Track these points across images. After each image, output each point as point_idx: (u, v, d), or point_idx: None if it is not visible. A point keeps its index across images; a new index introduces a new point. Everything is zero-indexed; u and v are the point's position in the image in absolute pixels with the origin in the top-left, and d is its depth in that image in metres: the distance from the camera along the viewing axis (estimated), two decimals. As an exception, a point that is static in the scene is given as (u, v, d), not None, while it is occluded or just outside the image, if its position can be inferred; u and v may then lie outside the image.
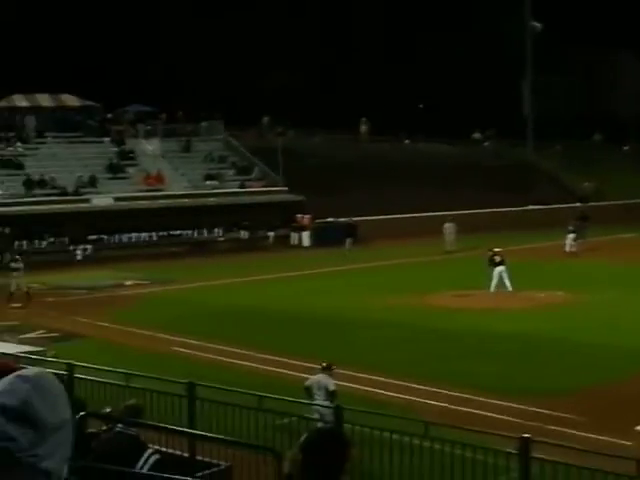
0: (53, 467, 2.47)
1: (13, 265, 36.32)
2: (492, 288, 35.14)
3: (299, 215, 55.78)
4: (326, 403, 16.26)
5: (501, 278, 35.20)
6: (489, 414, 18.75)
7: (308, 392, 17.07)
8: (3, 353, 17.86)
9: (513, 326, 28.53)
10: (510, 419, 18.17)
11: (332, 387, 16.98)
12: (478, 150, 72.53)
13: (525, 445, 11.06)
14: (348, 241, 51.15)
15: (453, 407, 19.38)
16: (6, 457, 2.39)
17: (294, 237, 55.63)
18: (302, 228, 55.78)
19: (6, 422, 2.42)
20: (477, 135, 75.91)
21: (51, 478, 2.47)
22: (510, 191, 62.51)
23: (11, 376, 2.53)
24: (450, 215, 50.59)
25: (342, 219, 54.51)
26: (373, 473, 12.59)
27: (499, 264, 35.38)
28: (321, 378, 17.20)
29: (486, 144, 74.96)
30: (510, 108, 74.27)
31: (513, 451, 11.24)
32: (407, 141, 71.94)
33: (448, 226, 49.85)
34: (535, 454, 11.15)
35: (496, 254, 35.79)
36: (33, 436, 2.43)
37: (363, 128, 69.93)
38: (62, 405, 2.54)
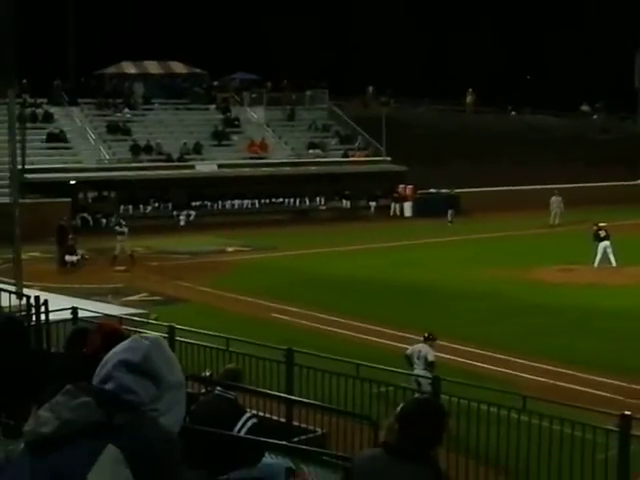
0: (169, 423, 2.62)
1: (118, 229, 37.00)
2: (596, 263, 34.54)
3: (401, 185, 55.52)
4: (425, 373, 16.30)
5: (605, 253, 34.56)
6: (589, 390, 18.49)
7: (408, 360, 17.18)
8: (107, 315, 18.22)
9: (617, 302, 27.99)
10: (611, 396, 17.88)
11: (431, 357, 17.05)
12: (586, 123, 71.08)
13: (626, 422, 10.86)
14: (450, 212, 50.76)
15: (553, 382, 19.16)
16: (114, 403, 2.53)
17: (395, 207, 55.39)
18: (404, 198, 55.52)
19: (129, 376, 2.60)
20: (585, 107, 74.40)
21: None
22: (618, 165, 61.14)
23: (132, 337, 2.75)
24: (556, 189, 49.76)
25: (444, 190, 54.08)
26: (469, 445, 12.51)
27: (604, 239, 34.73)
28: (422, 347, 17.29)
29: (595, 117, 73.44)
30: (621, 80, 72.59)
31: (613, 428, 11.05)
32: (513, 112, 70.94)
33: (554, 200, 49.05)
34: (635, 432, 10.95)
35: (601, 229, 35.12)
36: (153, 390, 2.60)
37: (469, 98, 69.14)
38: (177, 367, 2.72)
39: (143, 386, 2.59)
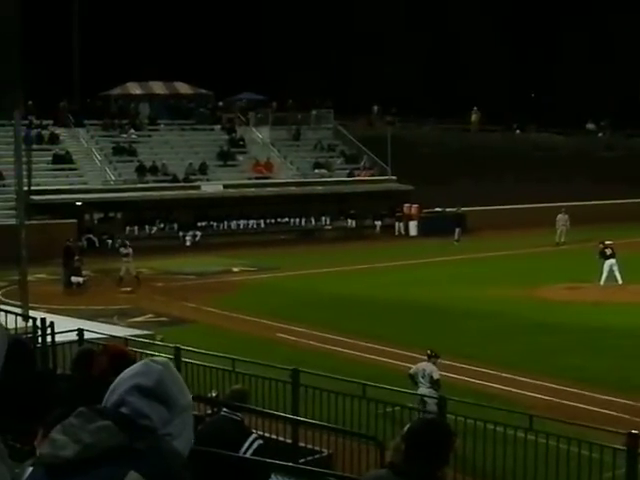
0: (181, 447, 2.62)
1: (123, 250, 37.04)
2: (602, 281, 34.51)
3: (406, 204, 55.53)
4: (430, 392, 16.30)
5: (612, 271, 34.55)
6: (596, 409, 18.44)
7: (412, 379, 17.18)
8: (113, 336, 18.22)
9: (624, 320, 27.94)
10: (618, 414, 17.83)
11: (437, 375, 17.04)
12: (591, 140, 71.11)
13: (634, 441, 10.83)
14: (457, 231, 50.74)
15: (559, 401, 19.13)
16: (133, 427, 2.52)
17: (399, 226, 55.37)
18: (409, 217, 55.52)
19: (142, 401, 2.59)
20: (591, 125, 74.45)
21: None
22: (624, 183, 61.12)
23: (142, 361, 2.73)
24: (563, 207, 49.75)
25: (450, 209, 54.06)
26: (476, 464, 12.48)
27: (610, 257, 34.72)
28: (426, 366, 17.28)
29: (600, 135, 73.47)
30: (626, 98, 72.65)
31: (620, 447, 11.02)
32: (518, 131, 71.01)
33: (560, 217, 49.01)
34: (643, 451, 10.92)
35: (607, 247, 35.11)
36: (165, 414, 2.60)
37: (474, 117, 69.24)
38: (186, 389, 2.71)
39: (157, 411, 2.59)
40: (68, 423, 2.55)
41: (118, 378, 2.70)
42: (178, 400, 2.64)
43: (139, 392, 2.61)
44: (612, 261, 34.59)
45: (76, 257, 36.72)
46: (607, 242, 35.50)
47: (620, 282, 34.27)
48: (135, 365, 2.73)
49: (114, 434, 2.48)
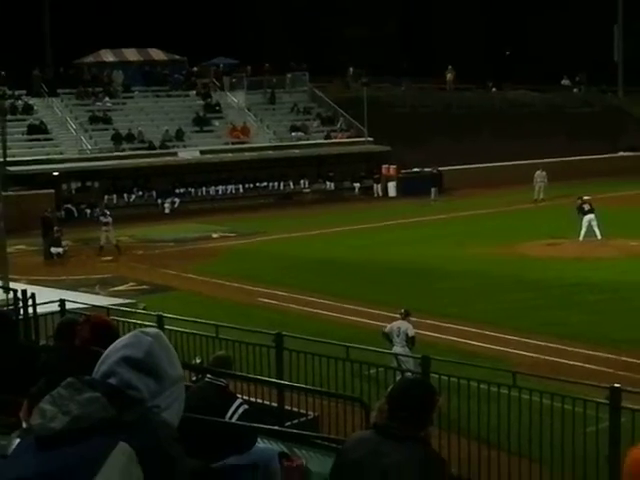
0: (170, 419, 2.63)
1: (102, 219, 36.90)
2: (581, 237, 34.64)
3: (384, 166, 55.50)
4: (404, 350, 16.53)
5: (590, 226, 34.67)
6: (579, 364, 18.59)
7: (387, 338, 17.38)
8: (95, 306, 18.20)
9: (603, 275, 28.13)
10: (600, 369, 17.98)
11: (411, 332, 17.32)
12: (567, 96, 71.09)
13: (616, 395, 10.91)
14: (433, 191, 50.79)
15: (542, 357, 19.26)
16: (123, 399, 2.53)
17: (377, 188, 55.36)
18: (387, 178, 55.50)
19: (131, 372, 2.60)
20: (566, 81, 74.35)
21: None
22: (600, 138, 61.31)
23: (134, 331, 2.73)
24: (540, 163, 49.81)
25: (427, 169, 54.08)
26: (460, 422, 12.56)
27: (588, 212, 34.84)
28: (400, 324, 17.52)
29: (575, 90, 73.44)
30: (600, 53, 72.57)
31: (603, 401, 11.10)
32: (494, 89, 70.88)
33: (538, 174, 49.05)
34: (626, 404, 11.00)
35: (585, 202, 35.22)
36: (154, 386, 2.60)
37: (449, 76, 69.01)
38: (177, 361, 2.72)
39: (145, 383, 2.59)
40: (57, 394, 2.55)
41: (108, 349, 2.69)
42: (167, 372, 2.63)
43: (128, 363, 2.61)
44: (590, 216, 34.70)
45: (55, 227, 36.54)
46: (585, 197, 35.61)
47: (599, 237, 34.41)
48: (126, 336, 2.73)
49: (103, 406, 2.48)
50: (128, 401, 2.52)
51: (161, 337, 2.71)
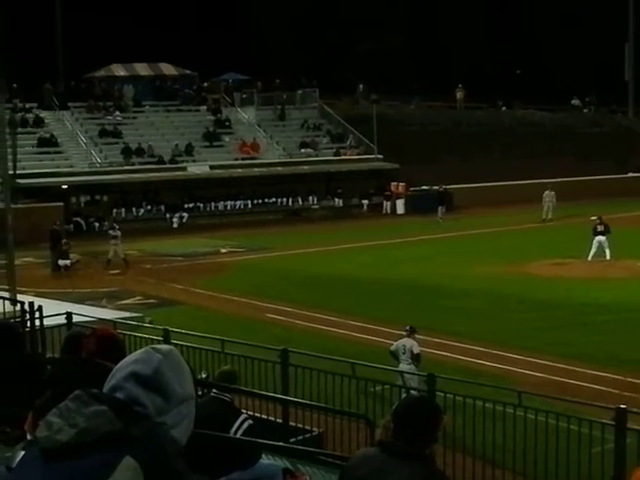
0: (178, 436, 2.62)
1: (111, 233, 36.95)
2: (590, 257, 34.58)
3: (393, 183, 55.56)
4: (410, 367, 16.54)
5: (601, 247, 34.61)
6: (585, 384, 18.52)
7: (393, 356, 17.41)
8: (101, 319, 18.21)
9: (611, 296, 28.06)
10: (606, 389, 17.92)
11: (417, 350, 17.35)
12: (577, 116, 71.14)
13: (622, 416, 10.88)
14: (440, 209, 50.80)
15: (548, 377, 19.20)
16: (129, 413, 2.53)
17: (386, 205, 55.41)
18: (396, 196, 55.55)
19: (138, 388, 2.59)
20: (576, 101, 74.43)
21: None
22: (609, 158, 61.30)
23: (145, 348, 2.73)
24: (549, 183, 49.77)
25: (436, 187, 54.12)
26: (465, 441, 12.53)
27: (599, 234, 34.78)
28: (406, 342, 17.55)
29: (585, 110, 73.48)
30: (611, 73, 72.61)
31: (609, 422, 11.07)
32: (504, 107, 70.96)
33: (547, 194, 48.99)
34: (631, 425, 10.97)
35: (600, 223, 35.16)
36: (161, 404, 2.59)
37: (459, 94, 69.14)
38: (188, 380, 2.70)
39: (151, 400, 2.58)
40: (64, 406, 2.55)
41: (120, 363, 2.70)
42: (176, 391, 2.63)
43: (136, 379, 2.61)
44: (601, 238, 34.64)
45: (64, 240, 36.61)
46: (601, 218, 35.45)
47: (608, 258, 34.35)
48: (138, 351, 2.73)
49: (110, 419, 2.48)
50: (135, 415, 2.52)
51: (173, 355, 2.70)
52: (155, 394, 2.59)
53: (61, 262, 35.61)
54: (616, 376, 19.11)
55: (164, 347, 2.75)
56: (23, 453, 2.63)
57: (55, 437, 2.46)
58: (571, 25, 75.42)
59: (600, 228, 34.94)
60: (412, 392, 13.85)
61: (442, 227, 46.57)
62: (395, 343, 17.86)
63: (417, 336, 18.02)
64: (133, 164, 52.41)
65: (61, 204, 46.92)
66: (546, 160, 57.66)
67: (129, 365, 2.66)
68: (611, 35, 72.05)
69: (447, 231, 44.52)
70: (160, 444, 2.49)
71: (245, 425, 8.59)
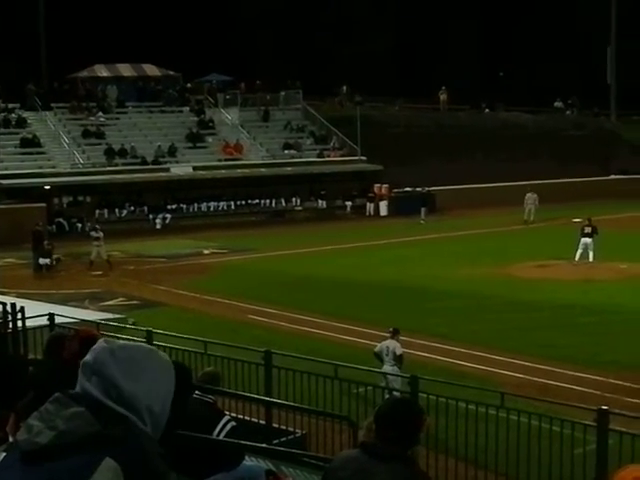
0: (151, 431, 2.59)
1: (93, 234, 36.87)
2: (576, 257, 34.65)
3: (377, 185, 55.60)
4: (393, 369, 16.62)
5: (585, 249, 34.71)
6: (567, 386, 18.59)
7: (378, 358, 17.50)
8: (84, 320, 18.15)
9: (593, 297, 28.18)
10: (588, 391, 18.00)
11: (399, 351, 17.47)
12: (559, 119, 71.37)
13: (604, 417, 10.92)
14: (423, 210, 50.91)
15: (531, 378, 19.26)
16: (107, 414, 2.51)
17: (370, 207, 55.45)
18: (380, 198, 55.60)
19: (84, 377, 2.59)
20: (558, 104, 74.67)
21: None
22: (591, 161, 61.54)
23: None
24: (531, 185, 49.93)
25: (419, 189, 54.23)
26: (448, 443, 12.56)
27: (586, 235, 34.89)
28: (389, 343, 17.67)
29: (568, 113, 73.73)
30: (594, 76, 72.90)
31: (591, 423, 11.11)
32: (487, 110, 71.16)
33: (529, 196, 49.14)
34: (613, 426, 11.01)
35: (587, 225, 35.27)
36: (114, 393, 2.55)
37: (442, 97, 69.30)
38: (147, 379, 2.61)
39: (96, 385, 2.56)
40: (44, 409, 2.55)
41: None
42: (120, 383, 2.57)
43: (83, 369, 2.61)
44: (587, 240, 34.75)
45: (46, 241, 36.47)
46: (588, 220, 35.53)
47: (591, 260, 34.48)
48: None
49: (88, 421, 2.47)
50: (113, 416, 2.51)
51: (125, 349, 2.64)
52: (100, 380, 2.56)
53: (42, 261, 35.46)
54: (598, 377, 19.20)
55: (120, 342, 2.72)
56: (4, 455, 2.62)
57: (34, 440, 2.46)
58: (554, 28, 75.70)
59: (587, 230, 35.05)
60: (395, 393, 13.87)
61: (425, 228, 46.64)
62: (379, 345, 17.95)
63: (400, 337, 18.08)
64: (116, 165, 52.29)
65: (43, 205, 46.74)
66: (529, 162, 57.86)
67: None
68: (594, 38, 72.35)
69: (430, 233, 44.59)
70: (139, 444, 2.49)
71: (228, 427, 8.57)
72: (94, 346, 2.66)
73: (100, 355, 2.61)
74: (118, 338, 14.73)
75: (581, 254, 34.76)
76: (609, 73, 73.74)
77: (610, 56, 73.07)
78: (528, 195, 49.24)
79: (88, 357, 2.62)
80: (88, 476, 2.39)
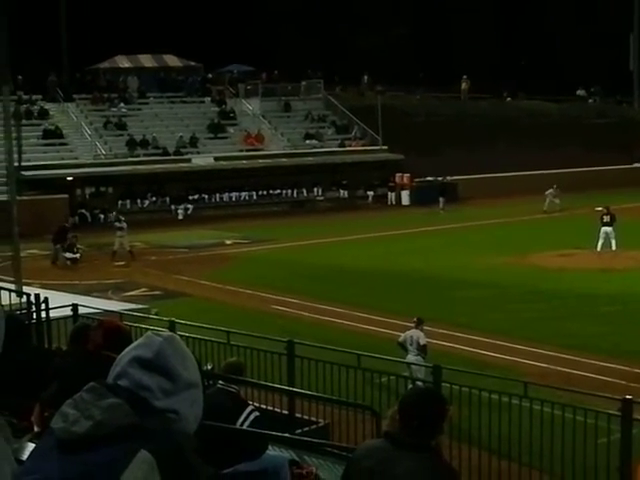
0: (189, 427, 2.62)
1: (117, 225, 36.95)
2: (598, 247, 34.49)
3: (398, 174, 55.51)
4: (417, 359, 16.61)
5: (607, 238, 34.55)
6: (591, 375, 18.52)
7: (402, 347, 17.48)
8: (107, 311, 18.23)
9: (616, 286, 28.05)
10: (612, 380, 17.92)
11: (423, 341, 17.46)
12: (582, 107, 70.98)
13: (628, 407, 10.88)
14: (441, 200, 50.75)
15: (554, 367, 19.20)
16: (144, 406, 2.53)
17: (391, 196, 55.37)
18: (401, 187, 55.52)
19: (141, 373, 2.58)
20: (581, 92, 74.26)
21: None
22: (615, 149, 61.17)
23: (147, 333, 2.72)
24: (555, 174, 49.43)
25: (440, 178, 54.12)
26: (471, 432, 12.54)
27: (605, 224, 34.70)
28: (413, 333, 17.65)
29: (590, 101, 73.33)
30: (616, 63, 72.45)
31: (615, 413, 11.07)
32: (508, 98, 70.84)
33: (550, 192, 48.61)
34: (637, 416, 10.97)
35: (606, 213, 35.05)
36: (166, 386, 2.57)
37: (463, 85, 69.03)
38: (193, 366, 2.68)
39: (156, 382, 2.57)
40: (79, 398, 2.56)
41: (123, 351, 2.71)
42: (180, 374, 2.61)
43: (139, 364, 2.60)
44: (607, 229, 34.57)
45: (71, 234, 36.43)
46: (606, 208, 35.30)
47: (613, 249, 34.32)
48: (139, 339, 2.73)
49: (125, 412, 2.49)
50: (150, 409, 2.52)
51: (174, 339, 2.69)
52: (159, 376, 2.58)
53: (68, 255, 35.51)
54: (622, 367, 19.11)
55: (166, 333, 2.75)
56: (31, 445, 2.63)
57: (71, 429, 2.47)
58: (576, 15, 75.27)
59: (606, 219, 34.86)
60: (418, 384, 13.86)
61: (446, 218, 46.50)
62: (403, 334, 17.93)
63: (424, 327, 18.05)
64: (138, 156, 52.43)
65: (66, 196, 46.97)
66: (552, 151, 57.56)
67: (131, 351, 2.66)
68: (616, 25, 71.90)
69: (452, 222, 44.47)
70: (175, 438, 2.50)
71: (252, 417, 8.59)
72: (144, 340, 2.67)
73: (162, 349, 2.62)
74: (141, 328, 14.80)
75: (602, 243, 34.58)
76: (632, 60, 73.28)
77: (633, 43, 72.59)
78: (549, 191, 48.67)
79: (143, 352, 2.62)
80: (123, 468, 2.40)
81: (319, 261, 34.43)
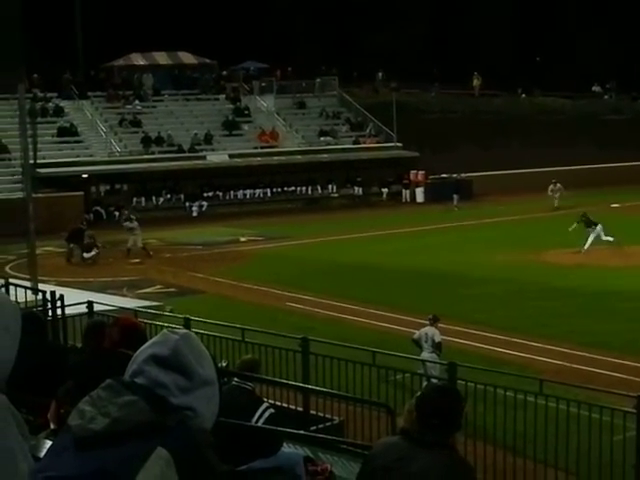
0: (205, 424, 2.62)
1: (127, 224, 36.98)
2: (610, 239, 34.27)
3: (412, 171, 55.45)
4: (432, 356, 16.61)
5: (598, 237, 34.25)
6: (606, 372, 18.48)
7: (417, 344, 17.49)
8: (122, 308, 18.27)
9: (631, 283, 27.93)
10: (627, 377, 17.87)
11: (438, 338, 17.46)
12: (597, 104, 70.74)
13: (643, 404, 10.85)
14: (456, 197, 50.66)
15: (569, 365, 19.16)
16: (161, 404, 2.53)
17: (406, 193, 55.32)
18: (416, 184, 55.45)
19: (158, 370, 2.59)
20: (596, 88, 74.01)
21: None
22: (630, 145, 60.92)
23: (163, 331, 2.74)
24: (569, 170, 49.31)
25: (455, 175, 54.04)
26: (486, 429, 12.52)
27: (589, 226, 34.54)
28: (428, 330, 17.66)
29: (606, 97, 73.07)
30: (631, 59, 72.17)
31: (631, 410, 11.04)
32: (523, 95, 70.65)
33: (551, 188, 48.49)
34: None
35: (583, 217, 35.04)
36: (183, 383, 2.57)
37: (475, 82, 68.87)
38: (209, 363, 2.68)
39: (172, 379, 2.57)
40: (96, 395, 2.57)
41: (139, 349, 2.71)
42: (197, 371, 2.61)
43: (155, 361, 2.61)
44: (592, 229, 34.38)
45: (87, 233, 36.42)
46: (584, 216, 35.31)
47: (611, 239, 34.02)
48: (155, 337, 2.74)
49: (142, 410, 2.49)
50: (167, 406, 2.53)
51: (190, 337, 2.70)
52: (176, 373, 2.58)
53: (86, 255, 35.54)
54: (638, 364, 19.07)
55: (181, 330, 2.76)
56: (48, 442, 2.63)
57: (88, 426, 2.48)
58: (592, 11, 74.97)
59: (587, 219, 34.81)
60: (433, 381, 13.85)
61: (460, 215, 46.38)
62: (417, 332, 17.93)
63: (439, 324, 18.04)
64: (153, 153, 52.54)
65: (81, 193, 47.10)
66: (567, 147, 57.40)
67: (147, 349, 2.66)
68: (631, 21, 71.64)
69: (466, 219, 44.37)
70: (192, 435, 2.50)
71: (267, 414, 8.60)
72: (160, 338, 2.68)
73: (178, 346, 2.63)
74: (156, 326, 14.84)
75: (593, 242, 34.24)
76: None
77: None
78: (550, 187, 48.56)
79: (160, 350, 2.62)
80: (140, 465, 2.40)
81: (333, 258, 34.42)
